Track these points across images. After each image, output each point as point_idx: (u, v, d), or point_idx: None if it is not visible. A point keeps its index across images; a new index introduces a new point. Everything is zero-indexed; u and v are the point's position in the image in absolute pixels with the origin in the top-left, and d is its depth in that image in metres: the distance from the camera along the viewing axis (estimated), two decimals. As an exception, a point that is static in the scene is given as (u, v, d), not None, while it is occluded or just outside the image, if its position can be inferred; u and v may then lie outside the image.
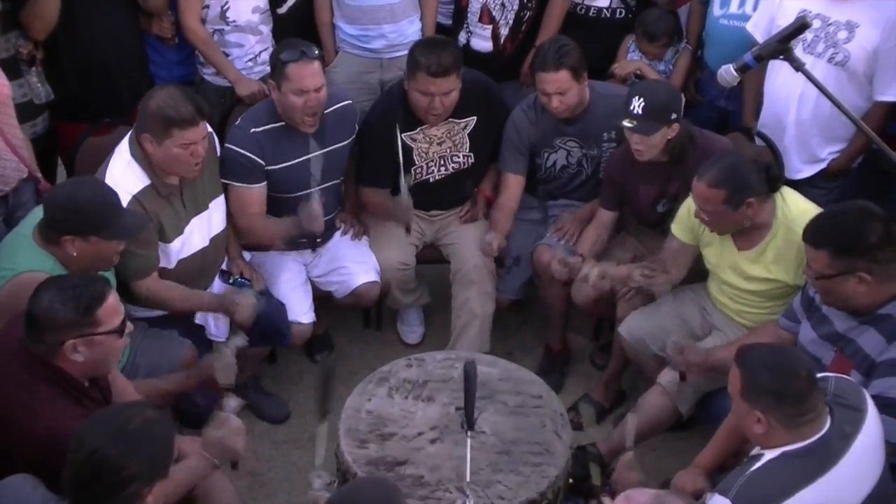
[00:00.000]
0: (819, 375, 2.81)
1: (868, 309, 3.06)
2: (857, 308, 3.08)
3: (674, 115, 3.82)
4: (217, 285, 3.99)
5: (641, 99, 3.78)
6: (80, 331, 2.75)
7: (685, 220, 3.82)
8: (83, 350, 2.76)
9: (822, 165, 4.24)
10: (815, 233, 3.12)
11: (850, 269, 2.99)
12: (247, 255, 4.20)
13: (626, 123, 3.80)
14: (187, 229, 3.75)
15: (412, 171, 4.31)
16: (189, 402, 3.70)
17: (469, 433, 3.12)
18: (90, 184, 3.34)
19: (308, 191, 4.03)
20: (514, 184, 4.36)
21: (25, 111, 3.97)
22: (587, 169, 4.37)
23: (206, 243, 3.85)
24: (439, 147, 4.32)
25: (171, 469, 2.44)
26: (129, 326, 2.92)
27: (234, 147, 3.96)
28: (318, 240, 4.28)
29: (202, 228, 3.82)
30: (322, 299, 4.36)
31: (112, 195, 3.27)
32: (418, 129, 4.25)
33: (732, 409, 2.87)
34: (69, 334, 2.74)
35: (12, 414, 2.74)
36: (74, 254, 3.14)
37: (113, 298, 2.83)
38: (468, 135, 4.33)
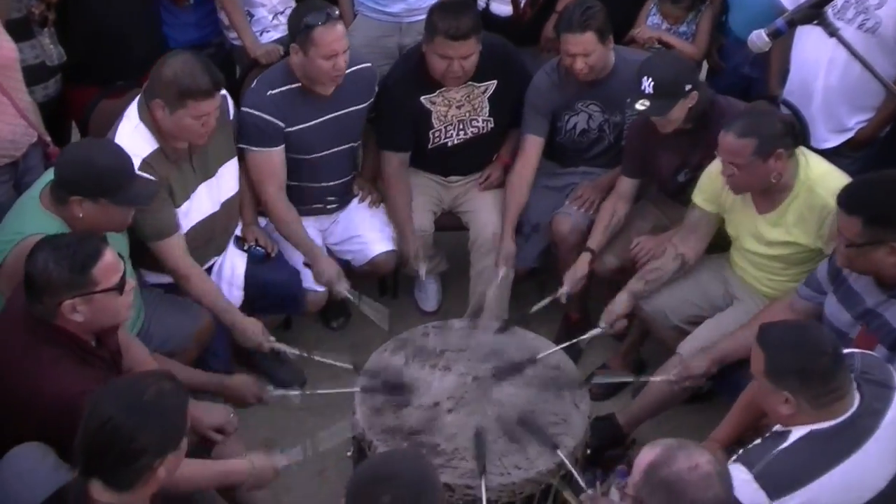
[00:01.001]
0: (845, 352, 2.76)
1: (893, 280, 2.99)
2: (884, 278, 3.02)
3: (688, 86, 3.74)
4: (232, 252, 3.95)
5: (650, 78, 3.71)
6: (77, 290, 2.71)
7: (707, 188, 3.75)
8: (82, 309, 2.73)
9: (849, 135, 4.16)
10: (849, 199, 3.03)
11: (881, 239, 2.92)
12: (262, 221, 4.15)
13: (639, 106, 3.74)
14: (195, 194, 3.71)
15: (430, 134, 4.26)
16: (205, 366, 3.70)
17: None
18: (107, 146, 3.30)
19: (325, 152, 4.02)
20: (533, 146, 4.30)
21: (38, 73, 3.94)
22: (609, 136, 4.31)
23: (217, 208, 3.81)
24: (458, 111, 4.26)
25: (184, 442, 2.41)
26: (130, 283, 2.88)
27: (251, 110, 3.91)
28: (335, 204, 4.22)
29: (212, 193, 3.78)
30: (340, 264, 4.30)
31: (128, 160, 3.22)
32: (437, 91, 4.19)
33: (756, 389, 2.82)
34: (66, 294, 2.71)
35: (18, 379, 2.72)
36: (80, 215, 3.09)
37: (109, 255, 2.79)
38: (488, 99, 4.26)
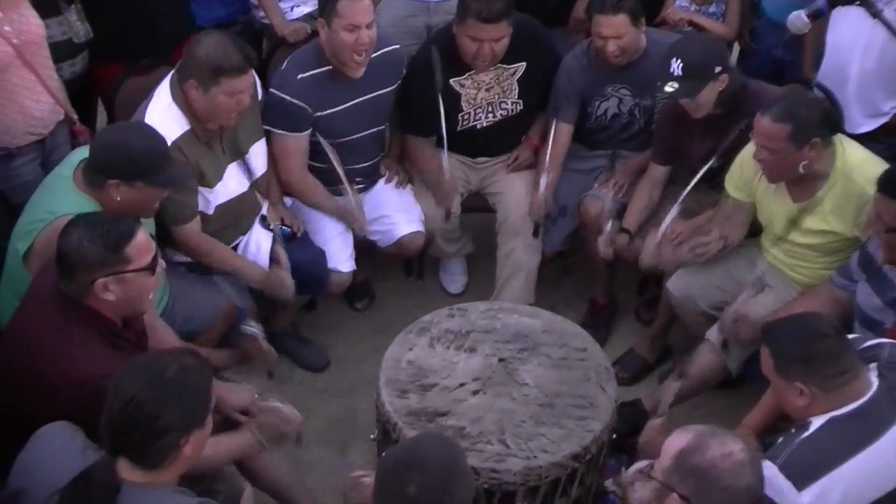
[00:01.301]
0: (874, 342, 2.76)
1: None
2: None
3: (718, 68, 3.68)
4: (258, 231, 3.92)
5: (679, 60, 3.66)
6: (111, 268, 2.70)
7: (738, 174, 3.70)
8: (114, 288, 2.72)
9: (885, 119, 4.08)
10: (891, 183, 2.98)
11: None
12: (287, 201, 4.13)
13: (668, 88, 3.69)
14: (226, 174, 3.70)
15: (459, 117, 4.22)
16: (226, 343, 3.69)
17: None
18: (141, 129, 3.28)
19: (354, 136, 4.01)
20: (563, 133, 4.25)
21: (65, 50, 3.92)
22: (640, 120, 4.25)
23: (245, 188, 3.80)
24: (487, 93, 4.22)
25: (209, 419, 2.40)
26: (161, 265, 2.88)
27: (280, 94, 3.88)
28: (361, 185, 4.21)
29: (241, 173, 3.77)
30: (363, 247, 4.29)
31: (162, 143, 3.21)
32: (466, 74, 4.15)
33: (772, 389, 2.79)
34: (99, 272, 2.70)
35: (48, 358, 2.71)
36: (118, 198, 3.08)
37: (142, 235, 2.78)
38: (517, 81, 4.22)
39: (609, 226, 4.04)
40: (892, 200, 2.94)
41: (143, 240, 2.77)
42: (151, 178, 3.10)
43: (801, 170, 3.41)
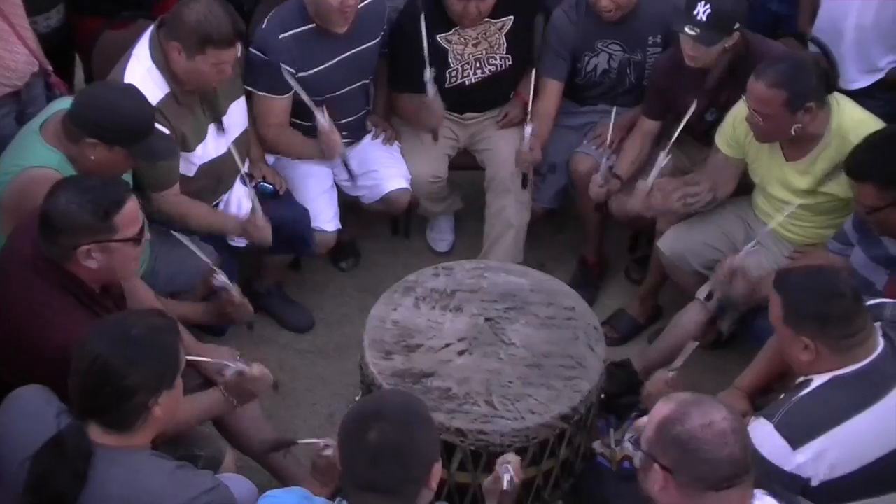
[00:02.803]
0: (876, 301, 2.73)
1: None
2: None
3: (737, 25, 3.60)
4: (238, 189, 3.85)
5: (708, 5, 3.54)
6: (97, 236, 2.64)
7: (730, 132, 3.64)
8: (98, 256, 2.66)
9: (881, 75, 4.07)
10: (857, 167, 3.02)
11: None
12: (270, 159, 4.06)
13: (687, 31, 3.58)
14: (208, 136, 3.63)
15: (447, 74, 4.13)
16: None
17: None
18: (134, 95, 3.16)
19: (339, 92, 3.94)
20: (553, 90, 4.18)
21: (39, 2, 3.83)
22: (631, 76, 4.18)
23: (226, 148, 3.70)
24: (475, 49, 4.13)
25: (178, 380, 2.35)
26: (147, 235, 2.81)
27: (262, 55, 3.81)
28: (347, 140, 4.12)
29: (221, 134, 3.68)
30: (348, 206, 4.23)
31: (150, 113, 3.13)
32: (453, 29, 4.07)
33: (776, 337, 2.76)
34: (85, 239, 2.63)
35: (27, 323, 2.66)
36: (93, 157, 3.00)
37: (132, 204, 2.72)
38: (505, 35, 4.13)
39: (602, 167, 3.96)
40: (863, 183, 2.96)
41: (132, 209, 2.71)
42: (132, 146, 3.03)
43: (793, 133, 3.35)
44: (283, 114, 3.94)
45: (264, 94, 3.86)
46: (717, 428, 2.08)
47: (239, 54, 3.61)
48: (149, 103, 3.16)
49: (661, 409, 2.16)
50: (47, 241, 2.66)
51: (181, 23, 3.34)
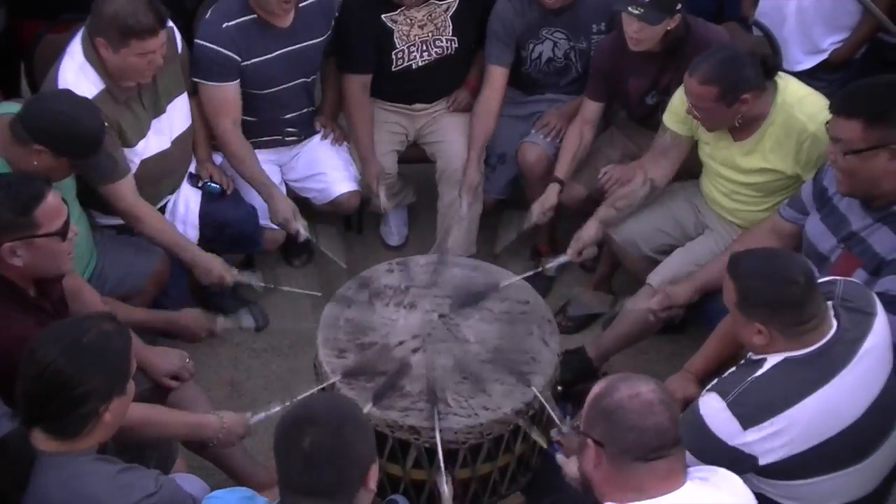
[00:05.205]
0: (827, 279, 2.73)
1: (890, 197, 2.89)
2: (880, 194, 2.91)
3: (679, 6, 3.61)
4: (185, 189, 3.81)
5: None
6: (18, 233, 2.62)
7: (679, 111, 3.62)
8: (23, 253, 2.63)
9: (824, 56, 4.09)
10: (847, 102, 2.91)
11: (883, 142, 2.80)
12: (217, 158, 4.01)
13: (631, 10, 3.58)
14: (150, 132, 3.58)
15: (393, 55, 4.12)
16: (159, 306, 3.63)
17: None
18: (94, 113, 3.13)
19: (281, 86, 3.91)
20: (498, 76, 4.17)
21: (-22, 7, 3.75)
22: (576, 64, 4.17)
23: (168, 145, 3.68)
24: (421, 30, 4.10)
25: (130, 385, 2.33)
26: (74, 229, 2.78)
27: (206, 43, 3.76)
28: (294, 136, 4.11)
29: (162, 130, 3.64)
30: (299, 202, 4.18)
31: (103, 133, 3.10)
32: (398, 10, 4.04)
33: (730, 319, 2.76)
34: (6, 236, 2.61)
35: None
36: (35, 163, 2.97)
37: (53, 198, 2.69)
38: (450, 17, 4.11)
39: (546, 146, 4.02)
40: (850, 119, 2.84)
41: (53, 203, 2.68)
42: (79, 160, 3.04)
43: (736, 123, 3.38)
44: (232, 106, 3.87)
45: (213, 83, 3.80)
46: (643, 398, 2.12)
47: (177, 41, 3.61)
48: (104, 124, 3.13)
49: (595, 388, 2.21)
50: None
51: (101, 17, 3.30)
